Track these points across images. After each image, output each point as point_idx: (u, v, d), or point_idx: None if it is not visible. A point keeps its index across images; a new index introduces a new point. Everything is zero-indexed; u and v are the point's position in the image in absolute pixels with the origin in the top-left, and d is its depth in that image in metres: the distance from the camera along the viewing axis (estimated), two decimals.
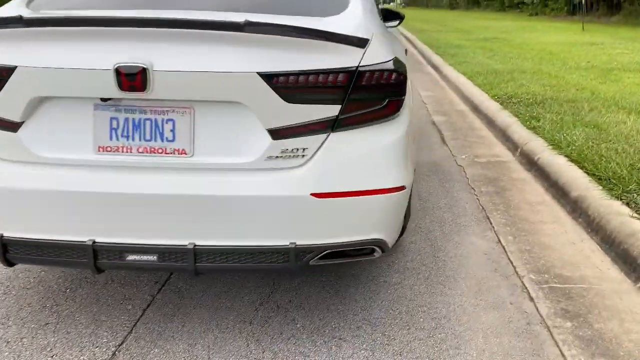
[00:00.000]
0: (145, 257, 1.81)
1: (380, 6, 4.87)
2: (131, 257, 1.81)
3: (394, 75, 1.83)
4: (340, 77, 1.76)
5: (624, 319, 2.20)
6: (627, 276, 2.52)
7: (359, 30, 1.89)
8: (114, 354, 1.98)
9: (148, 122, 1.77)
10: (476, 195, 3.59)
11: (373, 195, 1.85)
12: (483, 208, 3.37)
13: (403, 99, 1.89)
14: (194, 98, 1.74)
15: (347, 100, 1.78)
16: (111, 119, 1.78)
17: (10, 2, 2.22)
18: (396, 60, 1.90)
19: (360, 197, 1.83)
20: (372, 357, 1.99)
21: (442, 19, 29.10)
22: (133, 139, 1.78)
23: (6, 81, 1.73)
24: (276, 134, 1.76)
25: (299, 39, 1.72)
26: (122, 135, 1.78)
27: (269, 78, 1.70)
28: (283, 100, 1.73)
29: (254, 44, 1.70)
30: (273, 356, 1.98)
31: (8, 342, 2.04)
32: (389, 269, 2.62)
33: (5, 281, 2.46)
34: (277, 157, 1.78)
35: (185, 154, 1.78)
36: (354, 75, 1.77)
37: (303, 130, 1.77)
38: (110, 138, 1.79)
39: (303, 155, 1.79)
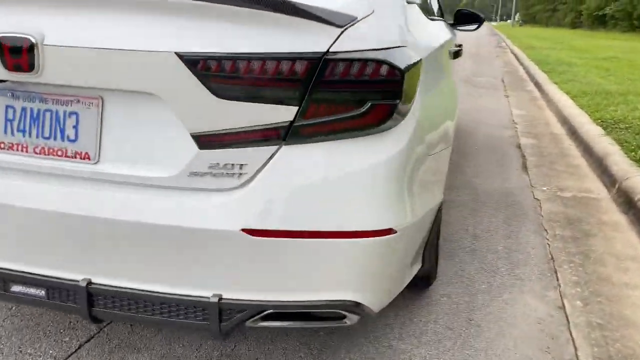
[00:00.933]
0: (32, 291, 1.38)
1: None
2: (16, 288, 1.39)
3: (383, 70, 1.26)
4: (299, 65, 1.22)
5: None
6: None
7: (347, 6, 1.33)
8: None
9: (48, 115, 1.35)
10: (547, 240, 2.84)
11: (341, 240, 1.28)
12: (552, 257, 2.63)
13: (397, 105, 1.30)
14: (100, 85, 1.28)
15: (307, 100, 1.24)
16: (7, 107, 1.38)
17: None
18: (398, 51, 1.32)
19: (320, 240, 1.27)
20: None
21: (559, 37, 27.07)
22: (30, 135, 1.37)
23: None
24: (204, 141, 1.26)
25: (239, 8, 1.20)
26: (18, 130, 1.38)
27: (193, 63, 1.21)
28: (213, 95, 1.23)
29: (174, 13, 1.22)
30: None
31: None
32: (400, 329, 2.00)
33: None
34: (204, 173, 1.27)
35: (89, 159, 1.33)
36: (318, 64, 1.22)
37: (242, 139, 1.25)
38: (5, 131, 1.38)
39: (240, 174, 1.27)
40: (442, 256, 2.61)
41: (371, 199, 1.31)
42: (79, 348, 1.84)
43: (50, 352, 1.81)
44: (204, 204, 1.27)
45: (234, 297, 1.30)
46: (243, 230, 1.24)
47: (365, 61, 1.25)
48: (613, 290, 2.33)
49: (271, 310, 1.32)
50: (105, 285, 1.32)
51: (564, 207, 3.34)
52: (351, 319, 1.41)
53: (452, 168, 4.10)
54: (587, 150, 4.52)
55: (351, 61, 1.24)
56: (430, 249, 1.88)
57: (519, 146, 4.89)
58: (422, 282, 2.14)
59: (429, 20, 2.18)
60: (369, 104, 1.27)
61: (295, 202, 1.27)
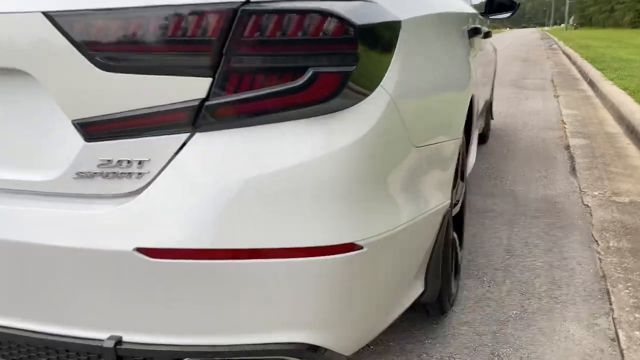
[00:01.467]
0: None
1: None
2: None
3: (329, 24, 0.91)
4: (208, 20, 0.89)
5: None
6: None
7: None
8: None
9: None
10: (599, 254, 2.36)
11: (279, 260, 0.93)
12: (604, 275, 2.16)
13: (350, 74, 0.94)
14: None
15: (223, 70, 0.91)
16: None
17: None
18: (363, 5, 0.97)
19: (250, 262, 0.92)
20: None
21: (616, 37, 25.72)
22: None
23: None
24: (91, 131, 0.95)
25: None
26: None
27: (67, 25, 0.90)
28: (98, 68, 0.92)
29: None
30: None
31: None
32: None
33: None
34: (93, 173, 0.96)
35: None
36: (235, 16, 0.89)
37: (139, 127, 0.93)
38: None
39: (139, 174, 0.94)
40: (467, 275, 2.19)
41: (320, 204, 0.95)
42: None
43: None
44: (92, 215, 0.95)
45: (137, 341, 0.97)
46: (138, 249, 0.91)
47: (302, 12, 0.90)
48: None
49: (188, 359, 0.97)
50: None
51: (619, 214, 2.84)
52: None
53: (488, 174, 3.65)
54: None
55: (282, 12, 0.90)
56: (436, 268, 1.49)
57: (567, 147, 4.37)
58: (433, 309, 1.75)
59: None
60: (310, 72, 0.92)
61: (212, 210, 0.93)
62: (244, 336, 0.98)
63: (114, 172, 0.95)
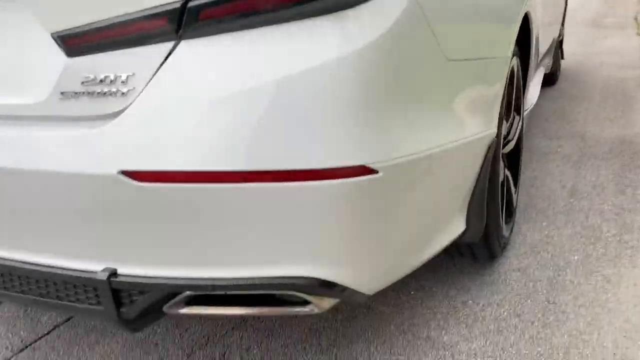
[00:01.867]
0: None
1: None
2: None
3: None
4: None
5: None
6: None
7: None
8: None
9: None
10: None
11: (283, 184, 0.82)
12: None
13: None
14: None
15: None
16: None
17: None
18: None
19: (250, 185, 0.82)
20: None
21: None
22: None
23: None
24: (71, 45, 0.87)
25: None
26: None
27: None
28: None
29: None
30: None
31: None
32: (446, 315, 1.49)
33: None
34: (77, 93, 0.88)
35: None
36: None
37: (121, 36, 0.83)
38: None
39: (124, 92, 0.85)
40: (523, 219, 2.01)
41: (327, 119, 0.83)
42: (54, 328, 1.57)
43: (21, 333, 1.56)
44: (77, 137, 0.88)
45: (132, 273, 0.90)
46: (123, 172, 0.83)
47: None
48: None
49: (189, 293, 0.90)
50: None
51: None
52: (319, 304, 0.94)
53: (555, 116, 3.36)
54: None
55: None
56: (480, 206, 1.33)
57: None
58: (481, 253, 1.59)
59: None
60: None
61: (202, 127, 0.82)
62: (247, 269, 0.89)
63: (99, 91, 0.87)
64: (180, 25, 0.82)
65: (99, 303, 0.93)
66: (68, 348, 1.48)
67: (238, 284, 0.89)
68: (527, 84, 2.10)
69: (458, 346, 1.36)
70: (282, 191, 0.83)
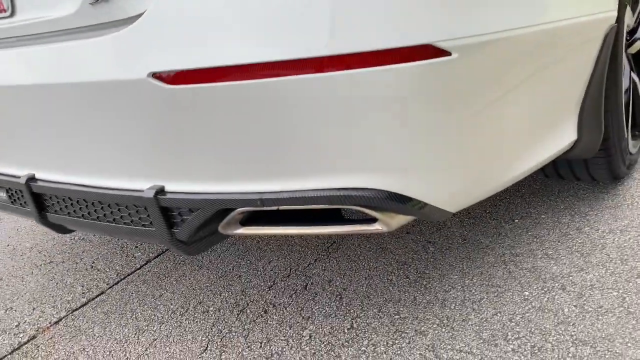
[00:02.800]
0: None
1: None
2: None
3: None
4: None
5: None
6: None
7: None
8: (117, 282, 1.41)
9: None
10: None
11: (333, 74, 0.69)
12: None
13: None
14: None
15: None
16: None
17: None
18: None
19: (295, 77, 0.70)
20: None
21: None
22: None
23: None
24: None
25: None
26: None
27: None
28: None
29: None
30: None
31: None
32: (557, 243, 1.29)
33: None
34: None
35: (4, 10, 0.96)
36: None
37: None
38: None
39: None
40: None
41: None
42: (145, 264, 1.61)
43: (117, 268, 1.62)
44: (107, 44, 0.80)
45: (180, 190, 0.82)
46: (153, 75, 0.73)
47: None
48: None
49: (242, 209, 0.80)
50: (44, 180, 0.98)
51: None
52: (387, 222, 0.81)
53: None
54: None
55: None
56: (596, 112, 1.10)
57: None
58: (602, 173, 1.35)
59: None
60: None
61: (238, 15, 0.70)
62: (304, 180, 0.77)
63: None
64: None
65: (151, 224, 0.88)
66: (157, 281, 1.49)
67: (294, 197, 0.78)
68: None
69: (570, 277, 1.17)
70: (340, 80, 0.70)
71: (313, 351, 1.11)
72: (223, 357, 1.15)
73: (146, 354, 1.21)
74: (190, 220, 0.84)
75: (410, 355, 1.03)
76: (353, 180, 0.77)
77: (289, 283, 1.35)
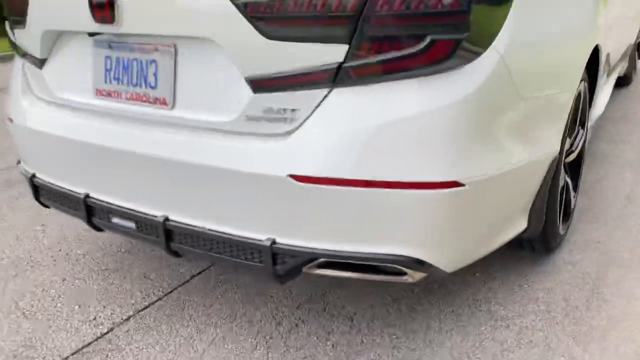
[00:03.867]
0: (126, 223, 1.54)
1: None
2: (115, 220, 1.57)
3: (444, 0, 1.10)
4: (347, 0, 1.13)
5: None
6: None
7: None
8: (158, 299, 1.82)
9: (135, 63, 1.46)
10: None
11: (396, 190, 1.19)
12: None
13: (465, 41, 1.14)
14: (169, 32, 1.34)
15: (358, 37, 1.15)
16: (106, 58, 1.53)
17: None
18: None
19: (373, 189, 1.20)
20: None
21: None
22: (123, 83, 1.50)
23: (26, 12, 1.62)
24: (258, 85, 1.25)
25: None
26: (114, 78, 1.52)
27: (243, 5, 1.20)
28: (263, 37, 1.21)
29: None
30: None
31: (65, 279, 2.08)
32: (505, 295, 1.83)
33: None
34: (259, 118, 1.27)
35: (166, 104, 1.42)
36: None
37: (292, 83, 1.22)
38: (105, 80, 1.54)
39: (292, 119, 1.24)
40: (581, 219, 2.29)
41: (431, 147, 1.18)
42: (190, 278, 2.03)
43: (167, 279, 2.03)
44: (258, 148, 1.27)
45: (286, 243, 1.30)
46: (291, 176, 1.22)
47: None
48: None
49: (324, 259, 1.29)
50: (178, 222, 1.43)
51: None
52: (413, 276, 1.32)
53: (624, 119, 3.52)
54: None
55: None
56: (540, 211, 1.65)
57: None
58: (539, 246, 1.91)
59: None
60: (428, 39, 1.12)
61: (345, 149, 1.20)
62: (366, 246, 1.26)
63: (274, 117, 1.25)
64: (336, 77, 1.19)
65: (261, 262, 1.34)
66: (205, 293, 1.93)
67: (359, 256, 1.27)
68: (593, 100, 2.35)
69: (513, 320, 1.70)
70: (398, 195, 1.20)
71: (336, 356, 1.59)
72: (270, 355, 1.61)
73: (210, 349, 1.65)
74: (289, 262, 1.31)
75: None
76: (396, 249, 1.26)
77: (312, 305, 1.83)
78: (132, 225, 1.52)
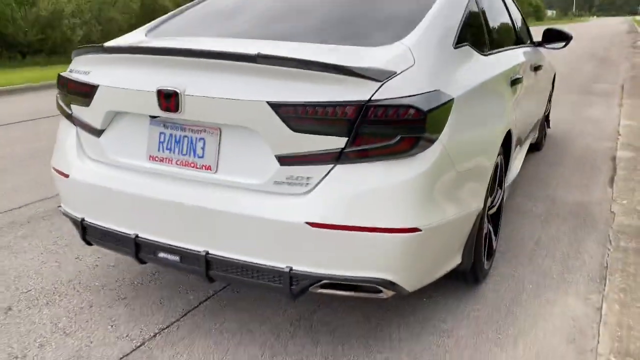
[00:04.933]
0: (171, 257, 2.05)
1: (557, 26, 4.39)
2: (162, 255, 2.07)
3: (410, 112, 1.75)
4: (348, 110, 1.75)
5: None
6: None
7: (390, 63, 1.85)
8: (173, 323, 2.28)
9: (186, 139, 2.01)
10: (609, 251, 3.06)
11: (377, 233, 1.79)
12: (607, 266, 2.87)
13: (422, 137, 1.78)
14: (217, 121, 1.91)
15: (354, 134, 1.77)
16: (160, 133, 2.06)
17: (136, 30, 2.70)
18: (425, 96, 1.80)
19: (362, 232, 1.79)
20: None
21: None
22: (174, 152, 2.04)
23: (93, 97, 2.14)
24: (283, 160, 1.84)
25: (309, 71, 1.76)
26: (166, 148, 2.05)
27: (277, 107, 1.79)
28: (290, 129, 1.80)
29: (265, 75, 1.80)
30: None
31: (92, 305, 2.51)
32: (447, 313, 2.44)
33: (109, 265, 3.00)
34: (282, 182, 1.85)
35: (210, 169, 1.97)
36: (362, 109, 1.74)
37: (308, 160, 1.81)
38: (158, 149, 2.07)
39: (307, 184, 1.83)
40: (500, 259, 2.97)
41: (400, 205, 1.80)
42: (199, 304, 2.52)
43: (180, 305, 2.51)
44: (283, 203, 1.85)
45: (300, 269, 1.85)
46: (307, 223, 1.80)
47: (396, 106, 1.74)
48: None
49: (326, 281, 1.86)
50: (217, 255, 1.96)
51: (639, 220, 3.48)
52: (387, 293, 1.91)
53: (536, 179, 4.33)
54: None
55: (386, 107, 1.74)
56: (470, 250, 2.30)
57: (613, 159, 4.93)
58: (470, 278, 2.55)
59: (485, 57, 2.59)
60: (399, 137, 1.76)
61: (343, 204, 1.79)
62: (357, 271, 1.83)
63: (293, 182, 1.83)
64: (338, 158, 1.79)
65: (280, 283, 1.88)
66: (215, 314, 2.42)
67: (351, 278, 1.84)
68: (508, 167, 3.09)
69: (452, 331, 2.31)
70: (376, 236, 1.79)
71: (325, 358, 2.13)
72: (274, 359, 2.13)
73: (232, 352, 2.15)
74: (302, 283, 1.86)
75: None
76: (376, 274, 1.85)
77: (302, 322, 2.37)
78: (176, 258, 2.03)
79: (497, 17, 3.21)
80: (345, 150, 1.78)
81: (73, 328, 2.33)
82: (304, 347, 2.20)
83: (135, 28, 2.74)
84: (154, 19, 2.83)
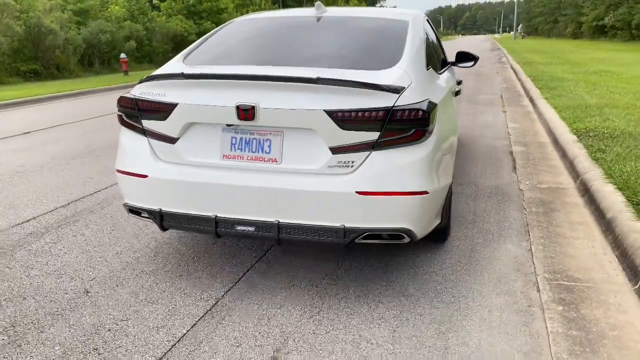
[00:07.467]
0: (247, 228, 2.75)
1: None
2: (239, 228, 2.76)
3: (420, 113, 2.63)
4: (380, 114, 2.59)
5: (609, 309, 2.75)
6: (629, 280, 3.03)
7: (398, 81, 2.72)
8: (231, 289, 2.93)
9: (254, 141, 2.74)
10: (525, 215, 4.17)
11: (401, 196, 2.64)
12: (527, 224, 3.96)
13: (427, 129, 2.68)
14: (283, 125, 2.67)
15: (384, 129, 2.61)
16: (232, 137, 2.77)
17: (173, 59, 3.34)
18: (425, 102, 2.70)
19: (391, 196, 2.63)
20: (400, 315, 2.76)
21: (557, 51, 28.33)
22: (244, 151, 2.75)
23: (171, 112, 2.79)
24: (334, 150, 2.64)
25: (353, 87, 2.59)
26: (237, 148, 2.76)
27: (330, 113, 2.59)
28: (339, 128, 2.60)
29: (322, 91, 2.61)
30: (328, 308, 2.83)
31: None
32: (431, 261, 3.35)
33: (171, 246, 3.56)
34: (334, 166, 2.65)
35: (276, 161, 2.71)
36: (389, 112, 2.60)
37: (352, 149, 2.63)
38: (231, 150, 2.77)
39: (352, 166, 2.64)
40: (453, 226, 3.95)
41: (415, 175, 2.67)
42: (250, 268, 3.20)
43: (227, 276, 3.18)
44: (336, 180, 2.64)
45: (350, 226, 2.65)
46: (356, 192, 2.61)
47: (410, 109, 2.62)
48: (564, 240, 3.65)
49: (367, 233, 2.68)
50: (286, 222, 2.69)
51: (540, 194, 4.67)
52: (406, 239, 2.77)
53: (458, 171, 5.44)
54: (563, 154, 5.85)
55: (404, 110, 2.62)
56: (445, 212, 3.24)
57: (511, 153, 6.22)
58: (441, 235, 3.50)
59: (439, 76, 3.58)
60: (413, 130, 2.64)
61: (379, 177, 2.63)
62: (388, 224, 2.66)
63: (343, 165, 2.62)
64: (374, 146, 2.62)
65: (336, 238, 2.66)
66: (262, 279, 3.12)
67: (385, 229, 2.67)
68: None
69: (438, 273, 3.22)
70: (400, 198, 2.64)
71: (322, 329, 2.94)
72: (298, 345, 2.90)
73: (286, 302, 2.88)
74: (351, 236, 2.65)
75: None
76: (400, 225, 2.69)
77: (330, 277, 3.15)
78: (252, 229, 2.74)
79: (435, 46, 4.26)
80: (378, 141, 2.62)
81: (155, 297, 2.92)
82: (339, 292, 2.99)
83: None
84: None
